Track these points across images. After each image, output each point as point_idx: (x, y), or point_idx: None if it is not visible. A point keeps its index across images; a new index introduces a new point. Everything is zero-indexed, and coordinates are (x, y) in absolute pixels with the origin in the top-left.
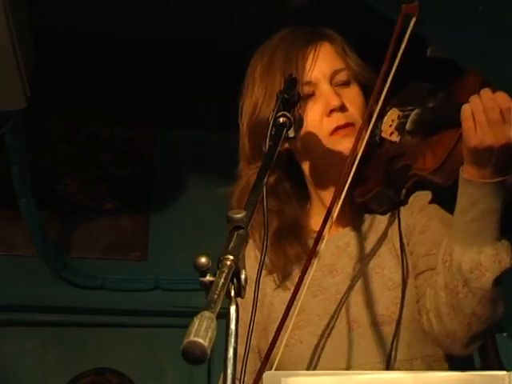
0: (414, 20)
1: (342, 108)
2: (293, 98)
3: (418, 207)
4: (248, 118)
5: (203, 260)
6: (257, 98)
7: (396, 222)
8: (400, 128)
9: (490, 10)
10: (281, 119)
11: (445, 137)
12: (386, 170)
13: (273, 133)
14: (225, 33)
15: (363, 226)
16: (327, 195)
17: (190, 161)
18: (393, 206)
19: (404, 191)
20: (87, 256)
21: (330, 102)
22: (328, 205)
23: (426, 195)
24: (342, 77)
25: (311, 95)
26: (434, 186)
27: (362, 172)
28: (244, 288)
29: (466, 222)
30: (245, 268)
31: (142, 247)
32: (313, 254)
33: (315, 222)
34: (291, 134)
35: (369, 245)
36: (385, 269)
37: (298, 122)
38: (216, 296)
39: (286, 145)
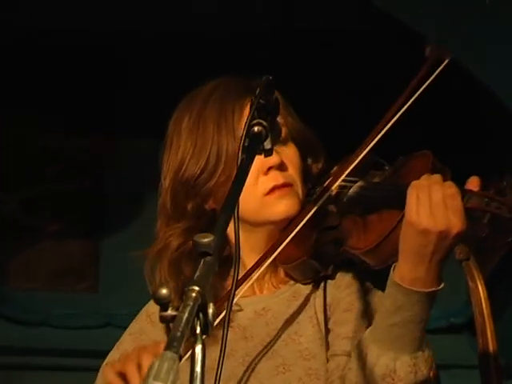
0: (445, 63)
1: (281, 166)
2: (270, 103)
3: (345, 282)
4: (172, 174)
5: (164, 291)
6: (184, 154)
7: (321, 292)
8: (339, 198)
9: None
10: (255, 128)
11: (384, 218)
12: (317, 240)
13: (246, 144)
14: (184, 38)
15: (285, 291)
16: (251, 259)
17: (151, 175)
18: (318, 280)
19: (332, 267)
20: (27, 287)
21: (269, 159)
22: (249, 269)
23: (355, 271)
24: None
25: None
26: (365, 267)
27: (294, 236)
28: (211, 324)
29: (388, 325)
30: (213, 301)
31: (92, 277)
32: (228, 320)
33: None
34: (267, 145)
35: (288, 310)
36: (302, 337)
37: (276, 132)
38: (179, 333)
39: (212, 204)
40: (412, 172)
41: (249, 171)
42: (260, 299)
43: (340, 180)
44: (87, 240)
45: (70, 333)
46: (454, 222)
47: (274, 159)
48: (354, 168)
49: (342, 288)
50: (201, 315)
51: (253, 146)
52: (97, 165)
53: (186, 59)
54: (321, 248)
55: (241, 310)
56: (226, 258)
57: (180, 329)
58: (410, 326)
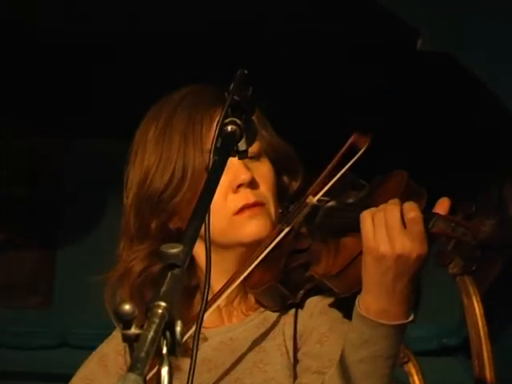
0: (360, 152)
1: (252, 184)
2: (245, 100)
3: (318, 309)
4: (136, 189)
5: (127, 307)
6: (148, 167)
7: (291, 319)
8: (309, 219)
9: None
10: (229, 127)
11: (351, 241)
12: (286, 263)
13: (218, 145)
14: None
15: (254, 318)
16: (220, 284)
17: (111, 179)
18: (288, 306)
19: (301, 293)
20: None
21: (239, 175)
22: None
23: (328, 298)
24: (253, 148)
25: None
26: (332, 295)
27: (263, 259)
28: (179, 344)
29: (355, 361)
30: (181, 318)
31: (45, 292)
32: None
33: (205, 318)
34: (242, 146)
35: (255, 338)
36: (268, 365)
37: (252, 132)
38: (143, 354)
39: (177, 222)
40: (384, 193)
41: (221, 174)
42: (228, 329)
43: (314, 199)
44: (39, 250)
45: (19, 353)
46: (413, 246)
47: (244, 176)
48: (330, 187)
49: (316, 316)
50: (167, 334)
51: (226, 147)
52: (51, 167)
53: (150, 53)
54: (289, 272)
55: (205, 339)
56: (194, 287)
57: (144, 349)
58: (378, 361)
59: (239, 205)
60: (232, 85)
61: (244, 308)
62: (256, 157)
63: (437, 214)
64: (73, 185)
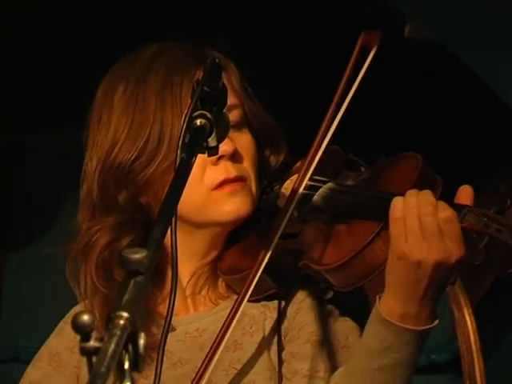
0: (373, 51)
1: (234, 156)
2: (215, 91)
3: (308, 303)
4: (101, 156)
5: (85, 318)
6: (117, 132)
7: (274, 314)
8: (302, 201)
9: None
10: (198, 121)
11: (357, 229)
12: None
13: (186, 140)
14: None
15: (226, 308)
16: (188, 268)
17: (70, 177)
18: (269, 298)
19: (287, 283)
20: None
21: (220, 145)
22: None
23: (319, 290)
24: (234, 116)
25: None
26: (328, 287)
27: (239, 241)
28: (143, 358)
29: (372, 370)
30: (144, 330)
31: None
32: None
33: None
34: (212, 142)
35: (230, 333)
36: (246, 366)
37: (223, 127)
38: (103, 369)
39: (149, 197)
40: (395, 177)
41: (189, 173)
42: (194, 318)
43: (306, 178)
44: None
45: None
46: (452, 250)
47: (226, 146)
48: (320, 164)
49: (304, 312)
50: (130, 347)
51: (194, 143)
52: None
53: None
54: (275, 259)
55: (173, 329)
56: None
57: (105, 363)
58: (398, 370)
59: (219, 179)
60: (202, 75)
61: (213, 296)
62: (237, 126)
63: (467, 206)
64: (27, 183)
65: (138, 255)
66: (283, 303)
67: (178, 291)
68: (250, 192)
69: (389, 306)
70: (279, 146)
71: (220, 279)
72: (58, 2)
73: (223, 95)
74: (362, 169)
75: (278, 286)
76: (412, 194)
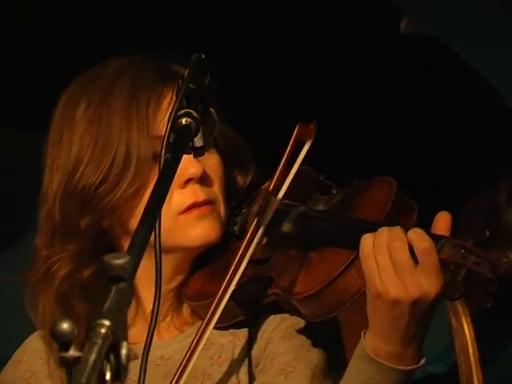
0: (307, 145)
1: (203, 179)
2: (202, 88)
3: (280, 333)
4: (64, 178)
5: (65, 326)
6: (80, 153)
7: (243, 342)
8: (272, 226)
9: None
10: (183, 120)
11: (329, 257)
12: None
13: (171, 140)
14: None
15: (192, 335)
16: (147, 292)
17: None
18: (237, 326)
19: (256, 310)
20: None
21: (188, 168)
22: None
23: (295, 319)
24: None
25: (160, 156)
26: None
27: (206, 265)
28: (125, 368)
29: None
30: (127, 339)
31: None
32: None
33: (134, 333)
34: (198, 142)
35: (196, 362)
36: None
37: (210, 125)
38: (84, 380)
39: (113, 222)
40: (368, 203)
41: (174, 175)
42: (158, 345)
43: (277, 199)
44: None
45: None
46: (430, 284)
47: (194, 169)
48: (291, 187)
49: (277, 341)
50: (112, 357)
51: (179, 143)
52: None
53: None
54: (243, 286)
55: (136, 357)
56: None
57: (85, 374)
58: None
59: (187, 203)
60: (187, 71)
61: (177, 323)
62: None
63: (444, 236)
64: None
65: (119, 260)
66: (253, 331)
67: (140, 317)
68: (219, 216)
69: (373, 343)
70: (247, 166)
71: (185, 305)
72: (58, 2)
73: (210, 92)
74: (334, 191)
75: (246, 314)
76: (382, 230)
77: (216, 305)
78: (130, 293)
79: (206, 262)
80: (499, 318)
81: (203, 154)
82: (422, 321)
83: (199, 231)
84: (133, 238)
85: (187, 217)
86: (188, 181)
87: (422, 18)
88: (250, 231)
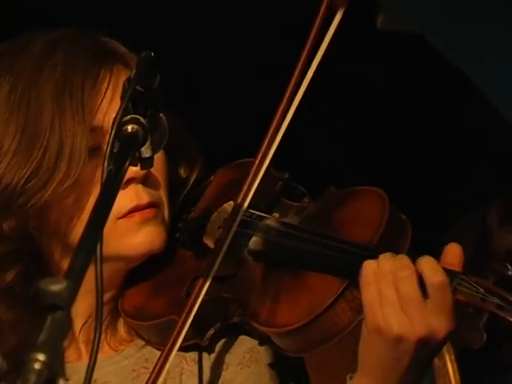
0: (339, 14)
1: (146, 179)
2: (150, 91)
3: (238, 358)
4: None
5: None
6: (2, 144)
7: (193, 367)
8: (237, 238)
9: None
10: (129, 127)
11: (314, 285)
12: (189, 291)
13: (115, 150)
14: None
15: (130, 355)
16: (82, 309)
17: None
18: (185, 348)
19: (211, 333)
20: None
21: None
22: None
23: (249, 343)
24: None
25: (97, 149)
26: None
27: (147, 277)
28: None
29: None
30: (64, 375)
31: None
32: None
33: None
34: (147, 152)
35: None
36: None
37: (160, 134)
38: None
39: (42, 224)
40: (355, 221)
41: (118, 189)
42: (79, 367)
43: (241, 213)
44: None
45: None
46: (440, 324)
47: (136, 168)
48: (256, 190)
49: (234, 368)
50: None
51: (125, 153)
52: None
53: None
54: (201, 306)
55: (65, 378)
56: None
57: None
58: None
59: (128, 206)
60: (134, 71)
61: (112, 340)
62: None
63: (459, 272)
64: None
65: (56, 286)
66: (205, 355)
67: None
68: (163, 220)
69: None
70: (194, 163)
71: (120, 320)
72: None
73: (159, 96)
74: (306, 200)
75: (202, 337)
76: (386, 257)
77: (178, 331)
78: (68, 322)
79: (146, 272)
80: (486, 357)
81: (152, 166)
82: (423, 365)
83: (142, 238)
84: (72, 261)
85: (128, 222)
86: (129, 181)
87: (399, 13)
88: (215, 245)
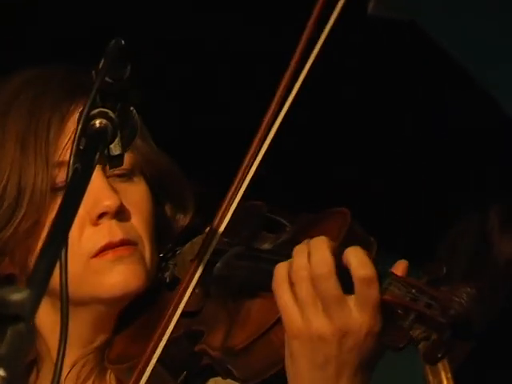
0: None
1: (120, 213)
2: (120, 83)
3: None
4: None
5: None
6: None
7: None
8: (206, 270)
9: None
10: (97, 122)
11: (264, 305)
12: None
13: (82, 147)
14: None
15: None
16: (68, 360)
17: None
18: None
19: (184, 374)
20: None
21: (101, 200)
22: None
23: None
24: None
25: (64, 186)
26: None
27: (133, 322)
28: None
29: None
30: None
31: None
32: None
33: None
34: (116, 150)
35: None
36: None
37: (130, 129)
38: None
39: (7, 266)
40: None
41: (85, 189)
42: None
43: (213, 244)
44: None
45: None
46: (363, 319)
47: (109, 202)
48: (236, 224)
49: None
50: None
51: (92, 150)
52: None
53: None
54: (173, 345)
55: None
56: (29, 363)
57: None
58: None
59: (100, 243)
60: (102, 60)
61: (98, 380)
62: (127, 175)
63: (391, 273)
64: None
65: (17, 296)
66: None
67: (49, 371)
68: (142, 259)
69: None
70: (184, 201)
71: (109, 371)
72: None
73: (131, 88)
74: (287, 229)
75: (176, 380)
76: (301, 251)
77: (141, 370)
78: (31, 335)
79: (134, 315)
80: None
81: (121, 165)
82: (354, 368)
83: (116, 278)
84: (34, 269)
85: (100, 261)
86: (101, 215)
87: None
88: (185, 277)
